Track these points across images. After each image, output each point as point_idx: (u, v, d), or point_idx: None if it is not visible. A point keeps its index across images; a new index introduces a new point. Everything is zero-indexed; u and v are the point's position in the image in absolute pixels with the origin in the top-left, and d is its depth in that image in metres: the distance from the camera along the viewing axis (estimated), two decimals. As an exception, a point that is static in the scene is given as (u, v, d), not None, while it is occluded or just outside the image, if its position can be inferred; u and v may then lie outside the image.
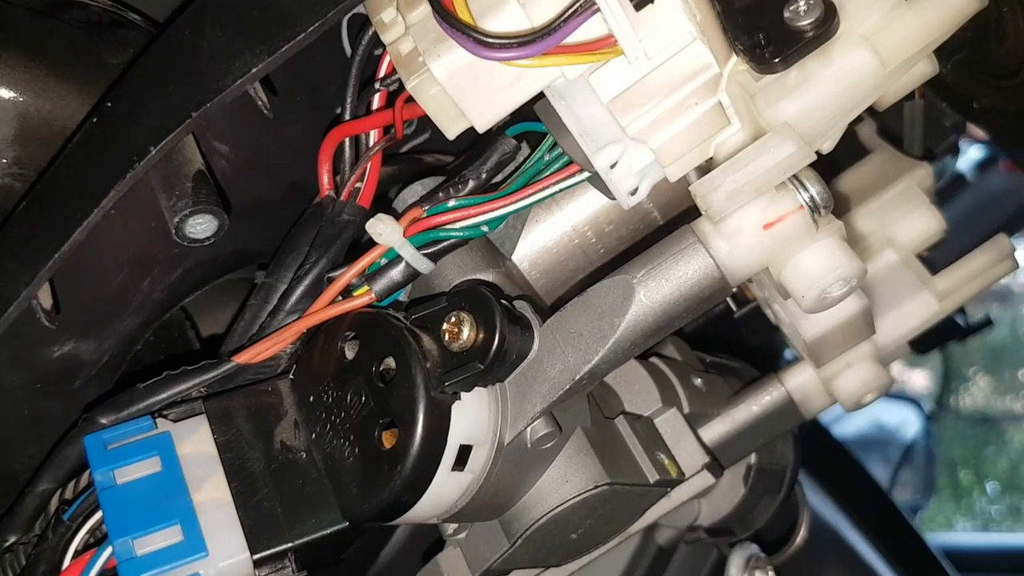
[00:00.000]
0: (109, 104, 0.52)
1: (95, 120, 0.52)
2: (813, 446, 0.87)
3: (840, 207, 0.73)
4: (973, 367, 3.59)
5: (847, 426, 2.45)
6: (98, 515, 0.52)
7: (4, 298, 0.50)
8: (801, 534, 0.84)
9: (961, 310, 1.38)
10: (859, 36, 0.49)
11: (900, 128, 0.77)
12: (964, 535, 3.26)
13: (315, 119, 0.65)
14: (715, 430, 0.70)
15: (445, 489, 0.53)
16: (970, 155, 2.05)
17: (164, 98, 0.50)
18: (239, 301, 0.77)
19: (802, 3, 0.48)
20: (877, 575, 1.17)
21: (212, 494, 0.51)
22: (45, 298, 0.52)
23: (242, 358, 0.55)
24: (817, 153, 0.49)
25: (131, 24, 0.62)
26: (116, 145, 0.50)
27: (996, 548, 2.56)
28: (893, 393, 2.90)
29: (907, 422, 2.72)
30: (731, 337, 0.84)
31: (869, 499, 1.29)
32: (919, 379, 3.36)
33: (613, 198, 0.55)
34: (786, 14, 0.49)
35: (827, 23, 0.48)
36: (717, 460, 0.66)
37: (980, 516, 3.45)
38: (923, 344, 0.91)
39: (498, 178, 0.58)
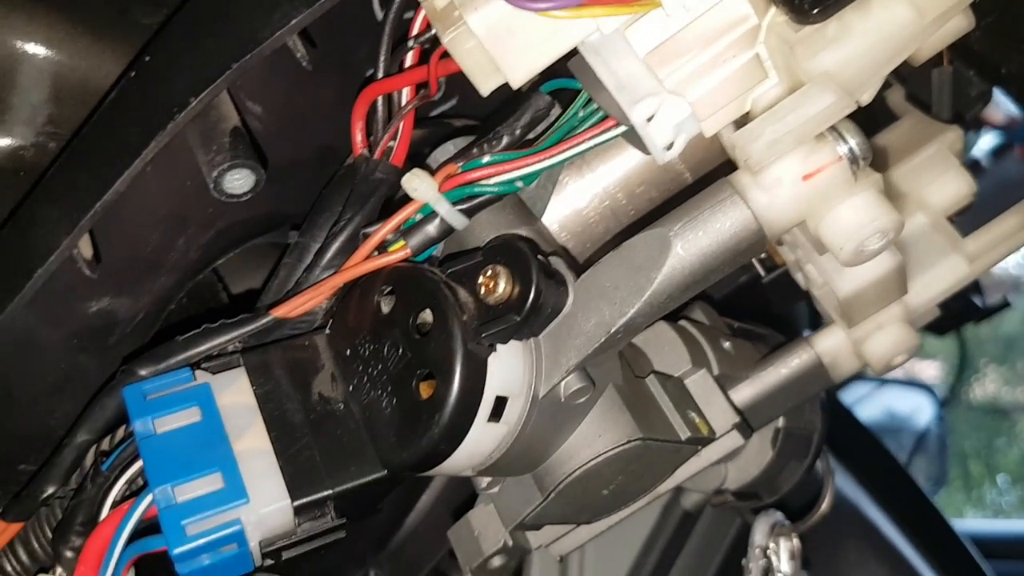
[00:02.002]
0: (147, 58, 0.52)
1: (133, 74, 0.53)
2: (835, 425, 0.87)
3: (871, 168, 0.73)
4: (984, 358, 3.59)
5: (860, 413, 2.45)
6: (136, 466, 0.53)
7: (45, 248, 0.50)
8: (826, 502, 0.84)
9: (979, 292, 1.39)
10: (898, -13, 0.49)
11: (928, 95, 0.77)
12: (975, 521, 3.26)
13: (346, 82, 0.65)
14: (744, 392, 0.70)
15: (481, 440, 0.54)
16: (985, 142, 2.05)
17: (203, 51, 0.50)
18: (270, 265, 0.78)
19: (841, -47, 0.48)
20: (897, 551, 1.17)
21: (252, 443, 0.52)
22: (86, 248, 0.53)
23: (279, 312, 0.55)
24: (856, 104, 0.49)
25: (166, -17, 0.63)
26: (156, 97, 0.50)
27: (1008, 535, 2.56)
28: (906, 380, 2.90)
29: (920, 409, 2.72)
30: (756, 305, 0.84)
31: (890, 477, 1.30)
32: (930, 370, 3.35)
33: (648, 153, 0.55)
34: (825, -36, 0.49)
35: (867, -26, 0.48)
36: (747, 421, 0.66)
37: (991, 507, 3.45)
38: (942, 325, 0.91)
39: (531, 135, 0.59)
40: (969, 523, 3.14)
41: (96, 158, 0.52)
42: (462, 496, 0.93)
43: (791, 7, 0.49)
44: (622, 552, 0.99)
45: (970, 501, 3.45)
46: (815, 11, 0.48)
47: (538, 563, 1.00)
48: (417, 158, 0.65)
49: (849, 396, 2.38)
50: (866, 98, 0.51)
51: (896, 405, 2.71)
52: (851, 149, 0.50)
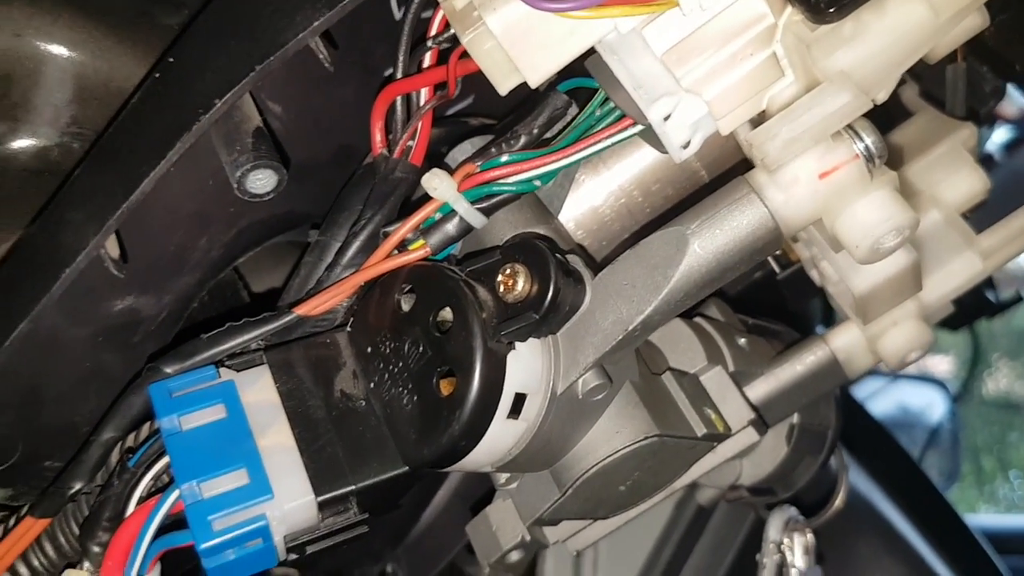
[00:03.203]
0: (171, 59, 0.53)
1: (158, 75, 0.53)
2: (848, 420, 0.87)
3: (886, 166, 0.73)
4: (997, 353, 3.58)
5: (873, 408, 2.45)
6: (162, 462, 0.53)
7: (74, 248, 0.51)
8: (840, 497, 0.85)
9: (992, 287, 1.39)
10: (913, -13, 0.49)
11: (942, 92, 0.77)
12: (988, 517, 3.25)
13: (364, 81, 0.66)
14: (759, 389, 0.70)
15: (500, 436, 0.54)
16: (999, 136, 2.04)
17: (227, 53, 0.51)
18: (289, 263, 0.79)
19: (857, -46, 0.49)
20: (911, 546, 1.17)
21: (276, 439, 0.52)
22: (113, 248, 0.54)
23: (302, 310, 0.56)
24: (872, 102, 0.50)
25: (187, -15, 0.64)
26: (180, 98, 0.51)
27: (1021, 530, 2.56)
28: (918, 375, 2.89)
29: (932, 404, 2.71)
30: (771, 302, 0.84)
31: (903, 473, 1.30)
32: (943, 365, 3.34)
33: (665, 152, 0.55)
34: (841, -36, 0.49)
35: (882, -27, 0.49)
36: (762, 417, 0.66)
37: (1003, 502, 3.43)
38: (955, 321, 0.91)
39: (549, 134, 0.59)
40: (982, 518, 3.13)
41: (122, 159, 0.52)
42: (477, 491, 0.94)
43: (808, 6, 0.49)
44: (636, 547, 0.99)
45: (982, 496, 3.44)
46: (831, 10, 0.49)
47: (552, 558, 1.01)
48: (434, 157, 0.65)
49: (861, 391, 2.37)
50: (882, 96, 0.51)
51: (908, 400, 2.70)
52: (867, 147, 0.51)
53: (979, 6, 0.52)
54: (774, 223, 0.52)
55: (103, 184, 0.52)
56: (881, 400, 2.54)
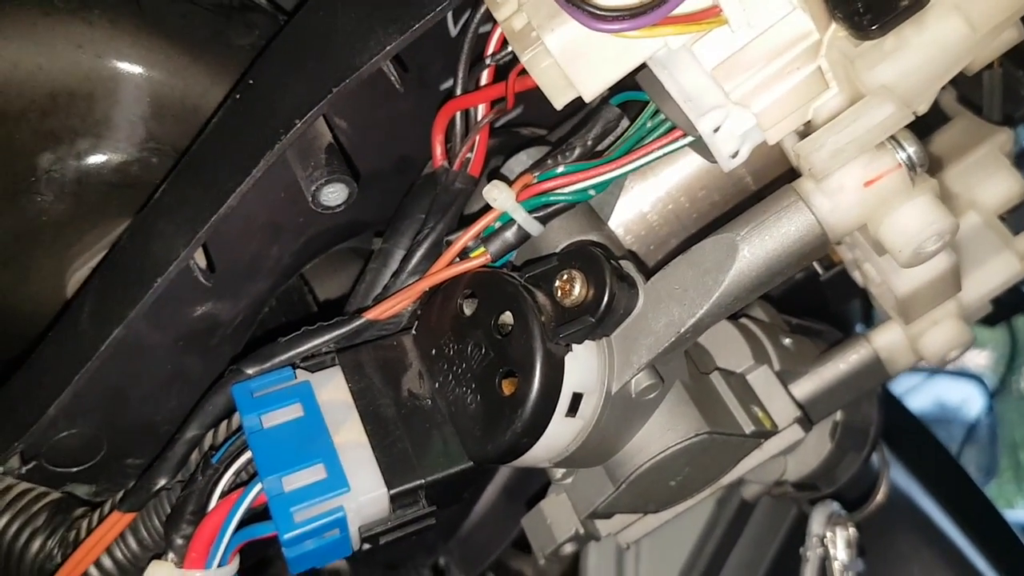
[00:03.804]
0: (251, 81, 0.57)
1: (238, 96, 0.57)
2: (887, 416, 0.89)
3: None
4: (1034, 348, 3.54)
5: (910, 403, 2.44)
6: (243, 459, 0.57)
7: (164, 258, 0.55)
8: (881, 492, 0.87)
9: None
10: (951, 4, 0.52)
11: (979, 96, 0.79)
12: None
13: (422, 95, 0.69)
14: (804, 387, 0.73)
15: (559, 434, 0.57)
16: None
17: (305, 75, 0.54)
18: (348, 268, 0.83)
19: (898, -27, 0.51)
20: (950, 540, 1.19)
21: (350, 436, 0.56)
22: (200, 259, 0.57)
23: (371, 314, 0.59)
24: (913, 114, 0.52)
25: (259, 8, 0.67)
26: (262, 119, 0.54)
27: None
28: (956, 371, 2.88)
29: (970, 400, 2.70)
30: (813, 303, 0.86)
31: (942, 468, 1.31)
32: (980, 359, 3.32)
33: (714, 161, 0.58)
34: (883, -17, 0.51)
35: (922, -8, 0.51)
36: (807, 415, 0.69)
37: (1042, 498, 3.40)
38: (993, 317, 0.93)
39: (601, 146, 0.62)
40: (1020, 513, 3.11)
41: (208, 175, 0.56)
42: (525, 487, 0.97)
43: (851, 23, 0.52)
44: (679, 541, 1.01)
45: (1021, 492, 3.40)
46: (874, 27, 0.51)
47: (596, 552, 1.04)
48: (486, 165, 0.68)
49: (899, 387, 2.37)
50: (923, 108, 0.54)
51: (946, 395, 2.69)
52: (909, 156, 0.53)
53: (1016, 20, 0.54)
54: (821, 229, 0.54)
55: (191, 198, 0.56)
56: (919, 396, 2.54)
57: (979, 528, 1.24)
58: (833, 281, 0.80)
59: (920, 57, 0.52)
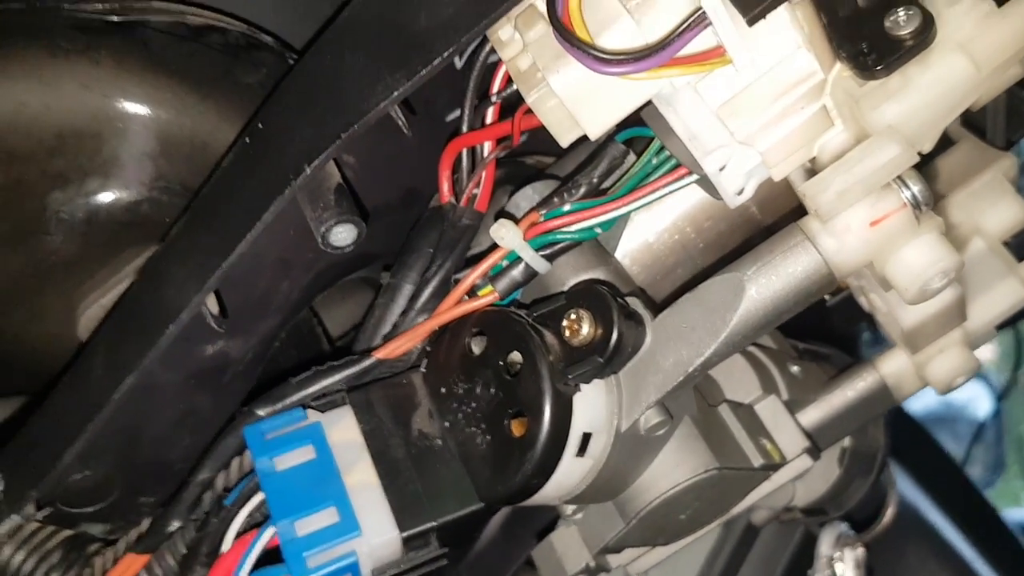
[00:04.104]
0: (260, 125, 0.57)
1: (248, 140, 0.57)
2: (894, 428, 0.89)
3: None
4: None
5: (916, 404, 2.45)
6: (255, 500, 0.57)
7: (175, 306, 0.55)
8: (889, 513, 0.87)
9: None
10: (955, 43, 0.52)
11: (983, 118, 0.79)
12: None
13: (428, 128, 0.69)
14: (812, 415, 0.73)
15: (569, 473, 0.58)
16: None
17: (313, 120, 0.55)
18: (357, 296, 0.83)
19: (901, 13, 0.51)
20: (959, 555, 1.19)
21: (361, 478, 0.56)
22: (212, 305, 0.58)
23: (381, 353, 0.60)
24: (919, 154, 0.53)
25: (266, 46, 0.68)
26: (272, 163, 0.55)
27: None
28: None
29: (977, 399, 2.71)
30: (820, 326, 0.87)
31: (949, 479, 1.31)
32: (986, 354, 3.32)
33: (720, 198, 0.58)
34: (886, 24, 0.51)
35: (925, 32, 0.51)
36: (815, 444, 0.69)
37: (1050, 495, 3.40)
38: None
39: (608, 182, 0.62)
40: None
41: (218, 220, 0.56)
42: (533, 512, 0.97)
43: (856, 63, 0.52)
44: (686, 564, 1.01)
45: (1028, 487, 3.40)
46: (879, 67, 0.51)
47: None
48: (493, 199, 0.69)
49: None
50: (928, 147, 0.54)
51: (953, 395, 2.68)
52: (914, 195, 0.54)
53: (1021, 57, 0.54)
54: (827, 269, 0.54)
55: (202, 244, 0.56)
56: (924, 396, 2.53)
57: (986, 538, 1.24)
58: (840, 306, 0.80)
59: (925, 97, 0.52)
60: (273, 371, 0.69)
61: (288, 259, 0.64)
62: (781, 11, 0.50)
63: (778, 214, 0.69)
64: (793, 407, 0.71)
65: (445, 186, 0.64)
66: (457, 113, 0.66)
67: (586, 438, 0.57)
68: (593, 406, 0.58)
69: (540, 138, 0.75)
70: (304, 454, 0.57)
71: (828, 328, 0.86)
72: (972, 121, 0.79)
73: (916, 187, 0.54)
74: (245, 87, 0.66)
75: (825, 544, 0.84)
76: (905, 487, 1.25)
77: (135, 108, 0.66)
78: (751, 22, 0.49)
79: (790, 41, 0.52)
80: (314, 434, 0.57)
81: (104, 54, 0.64)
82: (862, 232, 0.54)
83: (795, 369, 0.74)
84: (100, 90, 0.65)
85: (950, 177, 0.76)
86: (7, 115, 0.65)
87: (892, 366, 0.73)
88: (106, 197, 0.67)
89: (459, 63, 0.67)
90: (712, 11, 0.50)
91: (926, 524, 1.22)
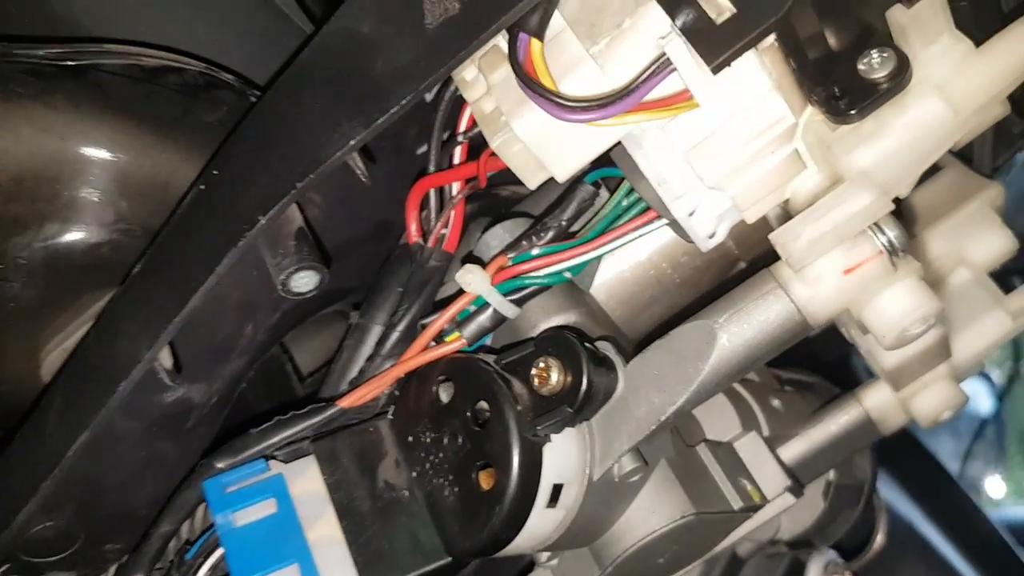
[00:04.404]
0: (215, 172, 0.56)
1: (202, 187, 0.56)
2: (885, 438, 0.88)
3: (913, 225, 0.74)
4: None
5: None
6: (217, 554, 0.56)
7: (128, 359, 0.54)
8: (879, 539, 0.86)
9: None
10: (932, 86, 0.50)
11: (970, 145, 0.77)
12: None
13: (398, 162, 0.68)
14: (794, 449, 0.72)
15: (540, 525, 0.56)
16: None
17: (268, 168, 0.53)
18: (332, 329, 0.81)
19: (875, 56, 0.50)
20: (954, 569, 1.18)
21: (324, 532, 0.55)
22: (166, 359, 0.56)
23: (345, 402, 0.58)
24: (895, 200, 0.51)
25: (225, 84, 0.66)
26: (225, 213, 0.53)
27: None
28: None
29: (977, 396, 2.69)
30: (804, 350, 0.85)
31: (942, 490, 1.30)
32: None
33: (691, 242, 0.57)
34: (860, 66, 0.50)
35: (900, 75, 0.49)
36: (798, 480, 0.67)
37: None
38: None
39: (578, 224, 0.61)
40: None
41: (171, 272, 0.55)
42: (506, 561, 0.96)
43: (828, 107, 0.50)
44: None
45: (1030, 485, 3.39)
46: (852, 111, 0.50)
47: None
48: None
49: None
50: (903, 193, 0.52)
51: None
52: (890, 241, 0.52)
53: (1000, 100, 0.52)
54: (801, 316, 0.53)
55: (155, 296, 0.55)
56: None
57: (980, 552, 1.23)
58: (824, 334, 0.78)
59: (900, 141, 0.51)
60: (242, 408, 0.67)
61: (252, 300, 0.62)
62: (748, 56, 0.48)
63: (757, 250, 0.68)
64: (774, 443, 0.69)
65: (413, 227, 0.63)
66: (425, 148, 0.64)
67: (557, 489, 0.56)
68: (564, 456, 0.56)
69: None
70: (265, 508, 0.55)
71: (817, 349, 0.84)
72: (959, 147, 0.77)
73: (892, 232, 0.52)
74: (205, 126, 0.65)
75: (813, 573, 0.83)
76: (897, 501, 1.24)
77: (93, 151, 0.64)
78: (715, 70, 0.47)
79: (759, 85, 0.51)
80: (276, 487, 0.56)
81: (60, 98, 0.62)
82: (836, 280, 0.52)
83: (776, 403, 0.73)
84: (57, 133, 0.64)
85: (934, 205, 0.74)
86: (-36, 159, 0.63)
87: (876, 399, 0.71)
88: (65, 241, 0.65)
89: (429, 97, 0.66)
90: (676, 58, 0.48)
91: (919, 540, 1.20)
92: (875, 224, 0.52)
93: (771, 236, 0.52)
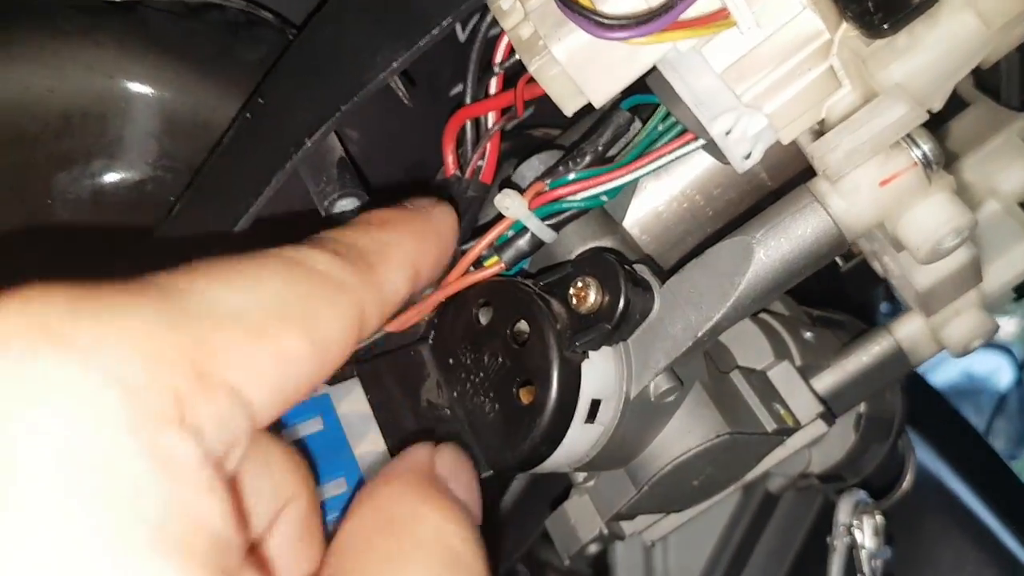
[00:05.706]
0: (261, 100, 0.57)
1: (248, 115, 0.57)
2: (913, 396, 0.89)
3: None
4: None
5: (938, 376, 2.43)
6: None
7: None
8: (908, 479, 0.87)
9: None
10: (963, 0, 0.51)
11: (996, 80, 0.78)
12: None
13: (432, 102, 0.70)
14: (826, 381, 0.72)
15: (578, 440, 0.57)
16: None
17: (313, 93, 0.54)
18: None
19: (909, -31, 0.50)
20: (981, 522, 1.18)
21: (370, 448, 0.56)
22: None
23: (390, 327, 0.59)
24: (928, 112, 0.52)
25: (265, 22, 0.67)
26: (273, 137, 0.55)
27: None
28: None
29: (999, 370, 2.68)
30: (834, 293, 0.86)
31: (970, 446, 1.30)
32: (1008, 327, 3.29)
33: (727, 163, 0.58)
34: (893, -20, 0.51)
35: (933, -12, 0.50)
36: (830, 409, 0.68)
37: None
38: (1019, 288, 0.92)
39: (614, 150, 0.62)
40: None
41: (220, 196, 0.56)
42: (551, 480, 0.97)
43: (862, 22, 0.51)
44: (705, 533, 1.01)
45: (1054, 456, 3.38)
46: (885, 25, 0.50)
47: (623, 546, 1.04)
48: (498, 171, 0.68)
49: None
50: (937, 106, 0.53)
51: (975, 367, 2.67)
52: (924, 154, 0.53)
53: (1031, 14, 0.53)
54: (837, 230, 0.54)
55: (204, 220, 0.56)
56: (947, 367, 2.52)
57: (1008, 507, 1.23)
58: (854, 272, 0.79)
59: (933, 54, 0.51)
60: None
61: (295, 227, 0.64)
62: (785, -30, 0.49)
63: (788, 179, 0.69)
64: (807, 373, 0.70)
65: (450, 159, 0.64)
66: (460, 88, 0.65)
67: (595, 405, 0.57)
68: (602, 373, 0.57)
69: (546, 111, 0.74)
70: (312, 425, 0.56)
71: (843, 295, 0.85)
72: (985, 83, 0.78)
73: (926, 146, 0.53)
74: (245, 64, 0.66)
75: (843, 512, 0.84)
76: (925, 456, 1.24)
77: (138, 88, 0.66)
78: (753, -20, 0.48)
79: (795, 2, 0.52)
80: (323, 406, 0.57)
81: (106, 35, 0.63)
82: (872, 192, 0.53)
83: (808, 335, 0.74)
84: (104, 71, 0.65)
85: (963, 139, 0.74)
86: (13, 98, 0.65)
87: (907, 330, 0.72)
88: (111, 177, 0.67)
89: (462, 36, 0.67)
90: (714, -29, 0.49)
91: (947, 492, 1.21)
92: (910, 137, 0.53)
93: (809, 148, 0.53)
